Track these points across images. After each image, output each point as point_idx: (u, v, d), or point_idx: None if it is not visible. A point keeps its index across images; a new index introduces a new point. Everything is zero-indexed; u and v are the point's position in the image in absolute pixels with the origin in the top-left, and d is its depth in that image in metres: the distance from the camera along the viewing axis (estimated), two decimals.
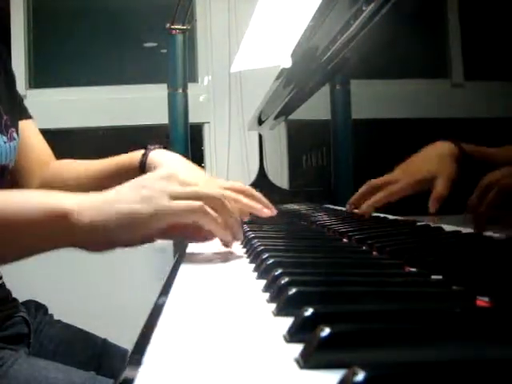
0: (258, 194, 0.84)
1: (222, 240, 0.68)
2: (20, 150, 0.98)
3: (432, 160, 0.69)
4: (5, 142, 0.90)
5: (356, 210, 0.93)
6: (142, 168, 0.92)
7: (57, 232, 0.60)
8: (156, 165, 0.90)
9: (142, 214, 0.59)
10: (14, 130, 0.94)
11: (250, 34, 1.55)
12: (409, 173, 0.76)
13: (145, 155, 0.93)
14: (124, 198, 0.60)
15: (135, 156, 0.95)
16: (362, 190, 0.90)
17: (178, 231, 0.64)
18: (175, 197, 0.61)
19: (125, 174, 0.93)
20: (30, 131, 1.04)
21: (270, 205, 0.84)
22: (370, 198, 0.86)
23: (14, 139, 0.93)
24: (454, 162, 0.62)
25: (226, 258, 0.68)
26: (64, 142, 2.45)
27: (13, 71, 1.06)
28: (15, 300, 0.95)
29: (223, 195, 0.65)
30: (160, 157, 0.92)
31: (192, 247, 0.75)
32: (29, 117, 1.06)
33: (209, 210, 0.61)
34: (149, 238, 0.62)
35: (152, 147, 0.95)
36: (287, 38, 1.22)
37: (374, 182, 0.86)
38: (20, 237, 0.61)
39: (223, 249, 0.72)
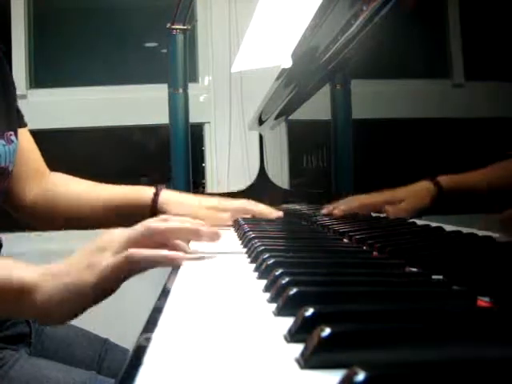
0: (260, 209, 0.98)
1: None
2: (17, 156, 0.98)
3: (407, 191, 0.79)
4: (4, 145, 0.90)
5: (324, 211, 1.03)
6: (153, 205, 0.97)
7: (9, 307, 0.62)
8: (167, 205, 0.97)
9: (81, 280, 0.60)
10: (12, 133, 0.94)
11: (250, 34, 1.55)
12: (385, 193, 0.86)
13: (156, 194, 0.98)
14: (67, 270, 0.61)
15: (146, 193, 0.99)
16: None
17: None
18: (115, 251, 0.61)
19: (132, 207, 0.99)
20: (26, 140, 1.04)
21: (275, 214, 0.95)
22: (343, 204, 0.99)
23: (13, 142, 0.93)
24: (428, 200, 0.70)
25: (226, 257, 0.68)
26: (64, 142, 2.46)
27: (12, 77, 1.05)
28: None
29: (149, 230, 0.64)
30: (169, 197, 0.98)
31: (192, 247, 0.75)
32: (25, 125, 1.06)
33: (137, 251, 0.60)
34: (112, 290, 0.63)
35: (162, 186, 1.00)
36: (288, 38, 1.22)
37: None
38: None
39: (224, 249, 0.73)
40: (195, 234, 0.68)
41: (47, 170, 1.08)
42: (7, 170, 0.92)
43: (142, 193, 0.99)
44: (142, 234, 0.63)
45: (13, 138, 0.94)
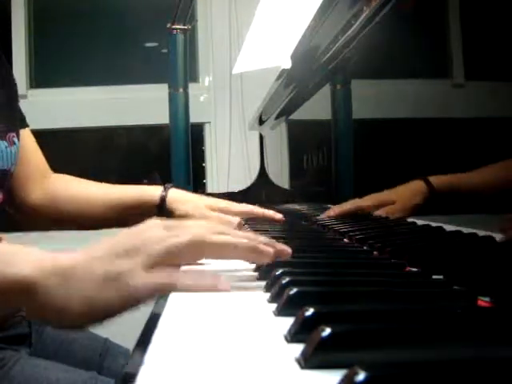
0: (266, 213, 0.95)
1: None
2: (19, 157, 0.97)
3: (400, 191, 0.82)
4: (6, 147, 0.90)
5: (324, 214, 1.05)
6: (161, 204, 0.97)
7: (11, 306, 0.54)
8: (174, 203, 0.96)
9: (103, 299, 0.50)
10: (14, 134, 0.93)
11: (251, 35, 1.55)
12: (378, 196, 0.90)
13: (164, 192, 0.98)
14: (88, 277, 0.50)
15: (154, 191, 0.98)
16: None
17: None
18: (150, 264, 0.50)
19: (140, 206, 0.98)
20: (28, 140, 1.03)
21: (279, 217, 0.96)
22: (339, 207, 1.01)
23: (15, 144, 0.93)
24: (420, 198, 0.73)
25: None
26: (64, 142, 2.46)
27: (13, 77, 1.04)
28: None
29: (190, 241, 0.52)
30: (176, 196, 0.98)
31: None
32: (27, 125, 1.05)
33: (176, 276, 0.50)
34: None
35: (169, 185, 1.00)
36: (288, 38, 1.22)
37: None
38: None
39: None
40: (254, 252, 0.54)
41: (50, 171, 1.07)
42: (9, 172, 0.92)
43: (150, 192, 0.99)
44: (186, 246, 0.52)
45: (15, 139, 0.93)
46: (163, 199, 0.96)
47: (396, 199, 0.84)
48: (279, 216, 0.98)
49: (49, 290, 0.49)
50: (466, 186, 0.61)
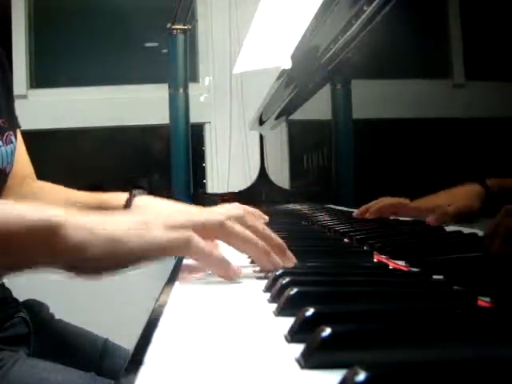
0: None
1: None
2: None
3: (454, 194, 0.69)
4: (0, 146, 0.88)
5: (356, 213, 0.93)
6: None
7: (38, 249, 0.53)
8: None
9: (127, 244, 0.53)
10: (11, 133, 0.92)
11: (251, 35, 1.55)
12: (427, 199, 0.75)
13: (129, 200, 0.89)
14: (115, 224, 0.54)
15: (120, 198, 0.90)
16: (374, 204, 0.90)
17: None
18: (170, 226, 0.54)
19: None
20: (18, 140, 0.99)
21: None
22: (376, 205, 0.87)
23: (12, 142, 0.91)
24: (476, 199, 0.62)
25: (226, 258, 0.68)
26: (64, 142, 2.46)
27: (5, 63, 1.02)
28: (15, 300, 0.95)
29: (222, 222, 0.58)
30: (147, 202, 0.88)
31: None
32: (18, 125, 1.02)
33: (197, 242, 0.53)
34: (137, 265, 0.55)
35: (136, 192, 0.90)
36: (288, 38, 1.22)
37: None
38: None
39: (224, 249, 0.72)
40: (264, 255, 0.57)
41: (33, 177, 1.04)
42: (4, 171, 0.90)
43: (115, 199, 0.90)
44: (211, 222, 0.56)
45: (12, 137, 0.92)
46: (127, 207, 0.88)
47: (449, 202, 0.71)
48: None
49: (74, 230, 0.51)
50: None
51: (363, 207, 0.90)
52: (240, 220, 0.59)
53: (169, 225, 0.54)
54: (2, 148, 0.88)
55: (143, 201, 0.88)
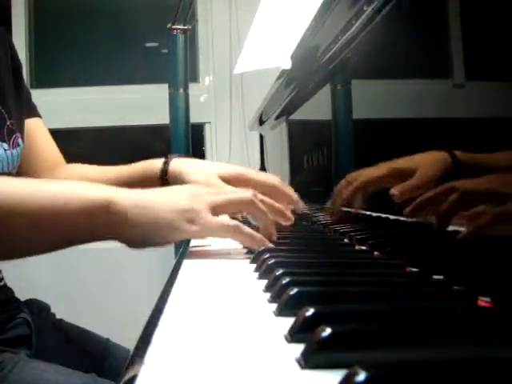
0: (287, 190, 0.85)
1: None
2: (27, 151, 0.94)
3: (418, 160, 0.69)
4: (5, 150, 0.86)
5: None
6: (163, 177, 0.89)
7: (99, 223, 0.60)
8: (180, 174, 0.87)
9: (181, 226, 0.61)
10: (18, 134, 0.90)
11: (252, 36, 1.55)
12: (388, 164, 0.75)
13: (166, 163, 0.89)
14: (167, 206, 0.62)
15: (155, 164, 0.90)
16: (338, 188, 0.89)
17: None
18: (214, 208, 0.65)
19: (141, 182, 0.88)
20: (37, 131, 0.99)
21: (298, 202, 0.85)
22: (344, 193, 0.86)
23: (18, 145, 0.90)
24: (441, 168, 0.61)
25: (227, 258, 0.68)
26: (64, 142, 2.45)
27: (19, 59, 1.01)
28: (17, 301, 0.95)
29: (254, 198, 0.68)
30: (183, 166, 0.88)
31: (194, 248, 0.75)
32: (38, 115, 1.01)
33: (243, 228, 0.65)
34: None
35: (173, 156, 0.91)
36: (289, 38, 1.22)
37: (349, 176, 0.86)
38: (56, 226, 0.60)
39: (224, 249, 0.73)
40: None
41: (62, 163, 1.03)
42: (11, 175, 0.88)
43: (150, 165, 0.91)
44: (245, 201, 0.68)
45: (19, 140, 0.90)
46: (164, 172, 0.88)
47: (414, 170, 0.69)
48: (299, 205, 0.86)
49: (125, 202, 0.59)
50: (493, 163, 0.56)
51: (336, 193, 0.91)
52: (257, 196, 0.70)
53: (213, 206, 0.65)
54: (8, 152, 0.87)
55: (179, 164, 0.89)
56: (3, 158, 0.85)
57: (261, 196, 0.71)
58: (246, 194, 0.69)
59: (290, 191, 0.85)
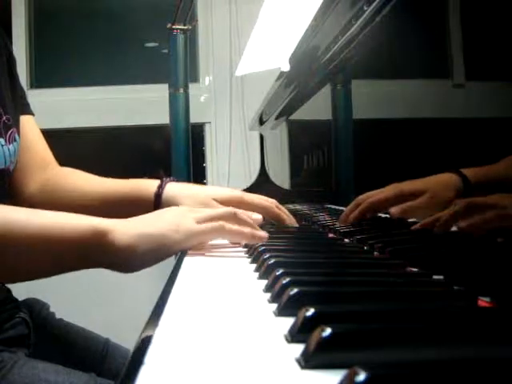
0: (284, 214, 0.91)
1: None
2: (22, 148, 0.93)
3: (428, 182, 0.69)
4: (2, 145, 0.85)
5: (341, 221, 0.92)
6: (157, 199, 0.91)
7: (92, 252, 0.62)
8: (173, 198, 0.91)
9: (171, 238, 0.65)
10: (14, 130, 0.89)
11: (254, 37, 1.54)
12: (400, 186, 0.76)
13: (161, 188, 0.92)
14: (155, 225, 0.66)
15: (150, 187, 0.92)
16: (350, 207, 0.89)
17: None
18: (197, 221, 0.68)
19: (134, 201, 0.93)
20: (29, 128, 0.98)
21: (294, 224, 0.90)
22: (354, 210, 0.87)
23: (15, 141, 0.89)
24: (452, 191, 0.61)
25: (227, 258, 0.68)
26: (64, 142, 2.46)
27: (14, 55, 0.98)
28: (15, 300, 0.95)
29: (233, 211, 0.73)
30: (178, 190, 0.92)
31: (193, 249, 0.75)
32: (30, 112, 1.00)
33: (228, 226, 0.69)
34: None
35: (168, 180, 0.94)
36: (288, 40, 1.22)
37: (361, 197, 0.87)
38: (52, 254, 0.63)
39: (224, 250, 0.73)
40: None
41: (54, 163, 1.02)
42: (7, 170, 0.88)
43: (145, 187, 0.92)
44: (226, 214, 0.72)
45: (16, 135, 0.89)
46: (158, 195, 0.91)
47: (424, 192, 0.69)
48: (293, 222, 0.92)
49: (118, 233, 0.62)
50: (501, 176, 0.54)
51: (344, 214, 0.90)
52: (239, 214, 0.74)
53: (196, 219, 0.68)
54: (5, 147, 0.86)
55: (173, 188, 0.92)
56: (0, 154, 0.85)
57: (241, 211, 0.76)
58: (227, 209, 0.74)
59: (287, 215, 0.92)
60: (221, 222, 0.69)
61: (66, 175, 1.01)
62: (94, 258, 0.63)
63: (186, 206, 0.78)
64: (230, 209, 0.74)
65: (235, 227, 0.69)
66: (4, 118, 0.87)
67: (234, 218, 0.72)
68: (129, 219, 0.66)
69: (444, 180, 0.64)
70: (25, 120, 0.98)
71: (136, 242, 0.62)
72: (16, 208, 0.66)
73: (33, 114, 1.02)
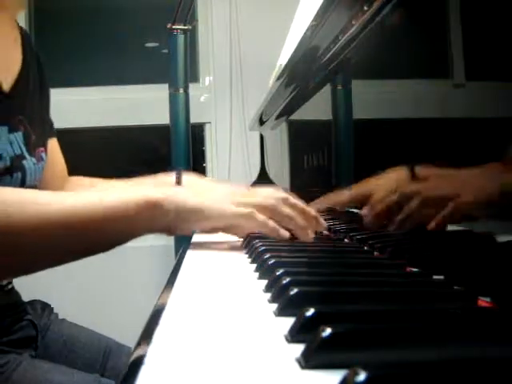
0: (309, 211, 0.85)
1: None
2: (47, 166, 0.95)
3: (381, 180, 0.75)
4: (34, 164, 0.87)
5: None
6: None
7: (149, 220, 0.65)
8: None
9: (210, 211, 0.68)
10: (42, 149, 0.92)
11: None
12: (357, 186, 0.82)
13: (178, 179, 0.94)
14: (202, 196, 0.70)
15: (167, 179, 0.94)
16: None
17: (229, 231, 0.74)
18: (236, 204, 0.70)
19: None
20: (55, 148, 1.04)
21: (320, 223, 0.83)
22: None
23: (42, 160, 0.91)
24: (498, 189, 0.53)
25: (227, 258, 0.68)
26: (64, 142, 2.45)
27: (47, 80, 1.01)
28: (23, 303, 0.95)
29: (274, 205, 0.73)
30: (192, 181, 0.94)
31: (193, 249, 0.75)
32: (54, 134, 1.04)
33: (257, 215, 0.70)
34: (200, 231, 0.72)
35: (177, 168, 0.96)
36: (288, 39, 1.22)
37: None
38: (110, 230, 0.65)
39: (224, 249, 0.73)
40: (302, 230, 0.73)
41: (67, 175, 1.07)
42: (35, 188, 0.89)
43: (163, 179, 0.94)
44: (265, 206, 0.72)
45: (43, 154, 0.91)
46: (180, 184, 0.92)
47: (374, 190, 0.74)
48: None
49: (171, 203, 0.66)
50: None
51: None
52: (285, 201, 0.74)
53: (237, 202, 0.71)
54: (36, 166, 0.88)
55: (189, 180, 0.94)
56: (32, 172, 0.86)
57: (292, 201, 0.75)
58: (269, 200, 0.73)
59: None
60: (251, 210, 0.70)
61: (82, 186, 1.05)
62: (150, 225, 0.66)
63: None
64: (273, 201, 0.73)
65: (262, 218, 0.70)
66: (33, 137, 0.88)
67: (272, 211, 0.72)
68: (173, 189, 0.74)
69: (397, 178, 0.69)
70: (53, 142, 1.02)
71: (180, 208, 0.67)
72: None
73: (56, 135, 1.04)
